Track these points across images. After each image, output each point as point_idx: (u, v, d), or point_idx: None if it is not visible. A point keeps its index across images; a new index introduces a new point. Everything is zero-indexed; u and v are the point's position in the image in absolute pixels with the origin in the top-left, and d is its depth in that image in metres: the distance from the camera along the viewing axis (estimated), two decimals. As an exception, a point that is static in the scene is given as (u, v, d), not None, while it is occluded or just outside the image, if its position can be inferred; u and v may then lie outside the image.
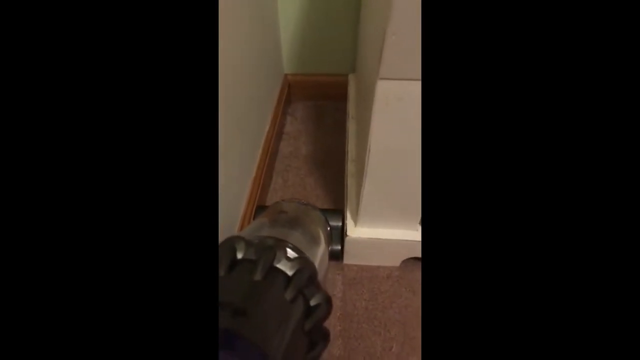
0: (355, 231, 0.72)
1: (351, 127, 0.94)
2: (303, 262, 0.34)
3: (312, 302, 0.33)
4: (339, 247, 0.72)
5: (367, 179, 0.60)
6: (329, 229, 0.62)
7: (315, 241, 0.46)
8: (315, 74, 1.11)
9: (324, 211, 0.64)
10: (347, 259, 0.77)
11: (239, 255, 0.33)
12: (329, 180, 0.95)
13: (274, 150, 0.97)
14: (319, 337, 0.34)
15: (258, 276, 0.31)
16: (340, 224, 0.71)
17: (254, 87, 0.83)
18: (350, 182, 0.79)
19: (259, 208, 0.78)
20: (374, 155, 0.56)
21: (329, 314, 0.34)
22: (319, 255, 0.44)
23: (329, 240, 0.60)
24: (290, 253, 0.34)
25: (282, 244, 0.34)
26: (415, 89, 0.48)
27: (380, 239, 0.71)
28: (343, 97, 1.06)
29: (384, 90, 0.49)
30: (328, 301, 0.34)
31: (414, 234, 0.70)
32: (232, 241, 0.33)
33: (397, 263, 0.76)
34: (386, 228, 0.71)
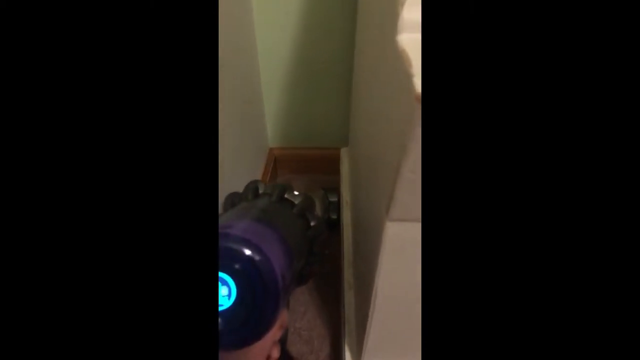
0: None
1: (346, 215, 0.83)
2: (305, 197, 0.45)
3: (312, 223, 0.43)
4: (336, 217, 0.89)
5: (372, 328, 0.47)
6: (328, 202, 0.88)
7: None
8: (303, 148, 1.01)
9: (323, 189, 0.91)
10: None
11: (260, 191, 0.45)
12: (318, 276, 0.82)
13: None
14: (319, 248, 0.43)
15: (273, 200, 0.42)
16: (336, 199, 0.91)
17: (234, 162, 0.76)
18: (348, 296, 0.66)
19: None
20: (381, 304, 0.44)
21: (325, 232, 0.44)
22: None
23: (327, 211, 0.87)
24: (296, 192, 0.45)
25: (290, 186, 0.46)
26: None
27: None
28: (334, 172, 0.95)
29: (395, 233, 0.38)
30: (323, 222, 0.44)
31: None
32: (255, 182, 0.46)
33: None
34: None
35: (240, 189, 0.60)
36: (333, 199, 0.90)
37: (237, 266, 0.29)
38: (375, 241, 0.42)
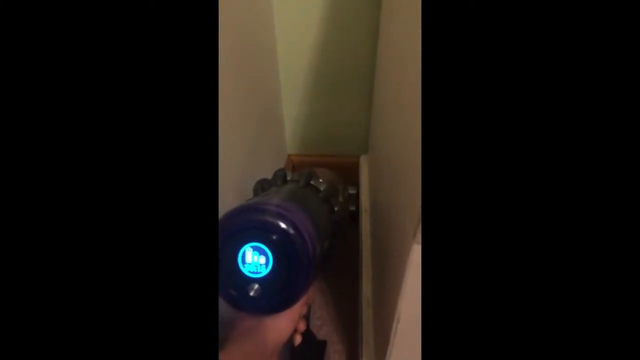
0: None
1: (365, 224, 0.80)
2: (330, 184, 0.48)
3: (335, 209, 0.46)
4: (354, 208, 0.88)
5: (393, 353, 0.44)
6: (347, 194, 0.89)
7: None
8: (322, 155, 0.98)
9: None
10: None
11: (288, 177, 0.49)
12: (335, 282, 0.79)
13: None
14: (340, 233, 0.46)
15: (301, 185, 0.46)
16: (356, 192, 0.91)
17: (252, 167, 0.74)
18: (366, 313, 0.63)
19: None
20: (404, 328, 0.41)
21: (347, 218, 0.54)
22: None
23: (347, 202, 0.87)
24: (321, 180, 0.49)
25: (315, 174, 0.49)
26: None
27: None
28: (353, 179, 0.93)
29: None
30: (346, 209, 0.55)
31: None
32: (283, 170, 0.50)
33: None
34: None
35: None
36: (352, 191, 0.91)
37: (274, 237, 0.32)
38: (399, 262, 0.39)
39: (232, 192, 0.64)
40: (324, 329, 0.75)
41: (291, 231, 0.32)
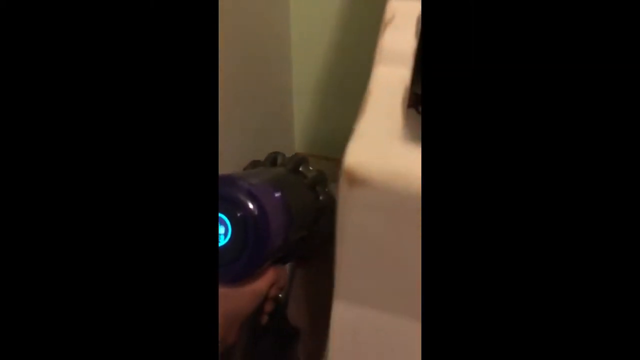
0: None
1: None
2: (318, 172, 0.51)
3: (321, 197, 0.48)
4: None
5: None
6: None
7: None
8: (330, 159, 1.00)
9: None
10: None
11: (279, 161, 0.52)
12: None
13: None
14: (322, 223, 0.47)
15: (288, 169, 0.49)
16: None
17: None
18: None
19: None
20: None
21: (332, 208, 0.43)
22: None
23: None
24: (310, 167, 0.52)
25: (306, 161, 0.52)
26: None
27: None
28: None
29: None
30: (332, 197, 0.48)
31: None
32: (275, 153, 0.53)
33: None
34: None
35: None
36: None
37: (238, 214, 0.34)
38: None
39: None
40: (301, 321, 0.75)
41: (256, 212, 0.34)
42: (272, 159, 0.52)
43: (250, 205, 0.34)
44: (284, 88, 0.87)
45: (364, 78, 0.93)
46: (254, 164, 0.53)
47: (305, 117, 0.96)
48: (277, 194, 0.38)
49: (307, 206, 0.46)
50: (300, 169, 0.50)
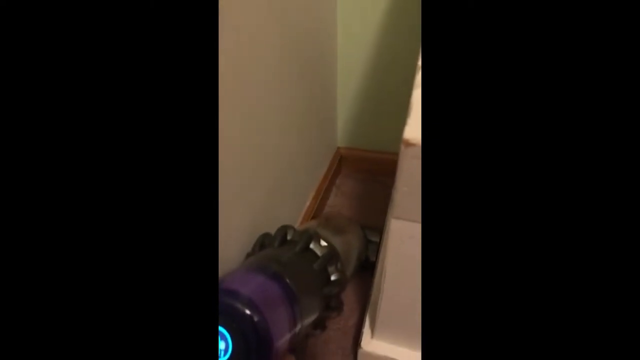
0: (371, 344, 0.60)
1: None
2: (330, 249, 0.49)
3: (332, 277, 0.48)
4: (374, 259, 0.79)
5: (385, 284, 0.51)
6: (367, 242, 0.80)
7: (349, 247, 0.64)
8: (369, 150, 1.08)
9: (364, 227, 0.81)
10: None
11: (289, 237, 0.50)
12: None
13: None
14: (335, 303, 0.49)
15: (297, 251, 0.47)
16: (378, 239, 0.81)
17: (300, 157, 0.83)
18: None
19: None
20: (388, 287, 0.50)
21: (343, 288, 0.49)
22: (350, 257, 0.63)
23: (364, 251, 0.78)
24: (322, 242, 0.50)
25: (317, 236, 0.50)
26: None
27: (397, 360, 0.58)
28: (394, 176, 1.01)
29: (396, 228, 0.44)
30: (344, 279, 0.49)
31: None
32: (285, 227, 0.51)
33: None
34: (409, 348, 0.59)
35: (304, 183, 0.75)
36: (375, 238, 0.82)
37: (237, 325, 0.33)
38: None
39: (282, 182, 0.74)
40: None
41: (256, 319, 0.33)
42: (282, 236, 0.50)
43: (249, 312, 0.33)
44: (329, 89, 0.95)
45: (404, 77, 0.94)
46: (263, 238, 0.51)
47: (346, 114, 1.04)
48: (282, 293, 0.37)
49: (316, 294, 0.45)
50: (311, 246, 0.49)
